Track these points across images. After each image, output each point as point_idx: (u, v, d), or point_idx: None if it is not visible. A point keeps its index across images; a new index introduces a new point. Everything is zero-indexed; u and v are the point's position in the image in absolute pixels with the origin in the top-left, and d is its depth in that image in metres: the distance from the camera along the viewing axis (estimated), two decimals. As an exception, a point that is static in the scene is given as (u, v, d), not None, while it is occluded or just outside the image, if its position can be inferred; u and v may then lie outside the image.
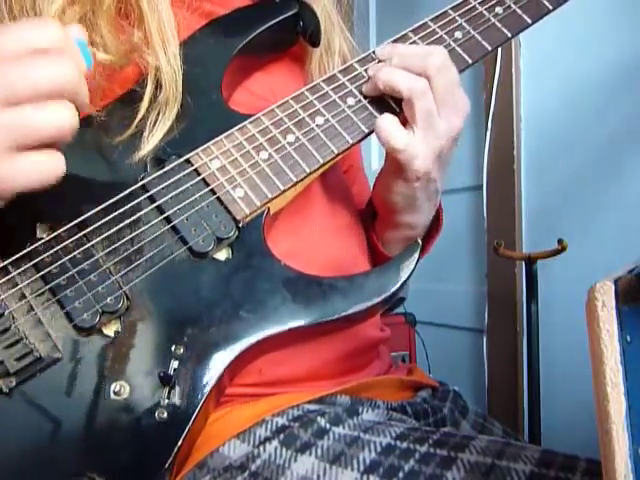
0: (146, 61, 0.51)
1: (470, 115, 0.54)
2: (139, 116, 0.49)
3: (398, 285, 0.49)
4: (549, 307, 1.16)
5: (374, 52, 0.55)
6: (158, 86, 0.50)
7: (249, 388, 0.49)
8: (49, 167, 0.38)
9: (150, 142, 0.49)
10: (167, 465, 0.41)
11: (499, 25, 0.58)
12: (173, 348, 0.44)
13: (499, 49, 0.59)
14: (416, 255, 0.50)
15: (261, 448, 0.44)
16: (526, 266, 1.14)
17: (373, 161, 1.65)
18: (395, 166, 0.53)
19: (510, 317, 1.32)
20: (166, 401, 0.42)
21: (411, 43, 0.56)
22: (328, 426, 0.45)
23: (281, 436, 0.44)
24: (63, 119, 0.38)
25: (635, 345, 0.28)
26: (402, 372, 0.64)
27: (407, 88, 0.50)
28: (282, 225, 0.53)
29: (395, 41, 0.56)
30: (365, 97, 0.53)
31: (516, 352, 1.30)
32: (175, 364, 0.43)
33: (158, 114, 0.50)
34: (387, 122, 0.51)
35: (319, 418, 0.46)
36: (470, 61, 0.56)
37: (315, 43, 0.61)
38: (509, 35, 0.58)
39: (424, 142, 0.51)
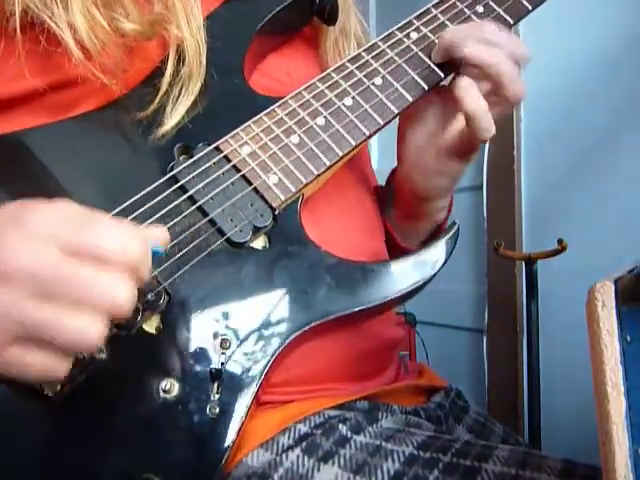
0: (169, 33, 0.49)
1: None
2: (162, 91, 0.48)
3: (439, 266, 0.50)
4: (549, 307, 1.16)
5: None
6: (181, 60, 0.48)
7: (275, 390, 0.48)
8: (50, 370, 0.34)
9: (173, 117, 0.48)
10: (224, 460, 0.40)
11: None
12: (218, 342, 0.43)
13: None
14: (451, 236, 0.51)
15: (283, 456, 0.43)
16: (526, 266, 1.14)
17: (373, 161, 1.64)
18: (462, 141, 0.54)
19: (510, 317, 1.32)
20: (217, 396, 0.41)
21: (432, 17, 0.56)
22: (349, 434, 0.45)
23: (303, 444, 0.44)
24: (93, 335, 0.34)
25: (635, 345, 0.28)
26: (413, 375, 0.64)
27: (489, 56, 0.49)
28: (307, 214, 0.51)
29: (418, 16, 0.56)
30: (391, 75, 0.53)
31: (516, 352, 1.30)
32: (222, 358, 0.42)
33: (181, 89, 0.48)
34: (467, 82, 0.50)
35: (340, 425, 0.45)
36: None
37: (331, 21, 0.60)
38: (530, 7, 0.57)
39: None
